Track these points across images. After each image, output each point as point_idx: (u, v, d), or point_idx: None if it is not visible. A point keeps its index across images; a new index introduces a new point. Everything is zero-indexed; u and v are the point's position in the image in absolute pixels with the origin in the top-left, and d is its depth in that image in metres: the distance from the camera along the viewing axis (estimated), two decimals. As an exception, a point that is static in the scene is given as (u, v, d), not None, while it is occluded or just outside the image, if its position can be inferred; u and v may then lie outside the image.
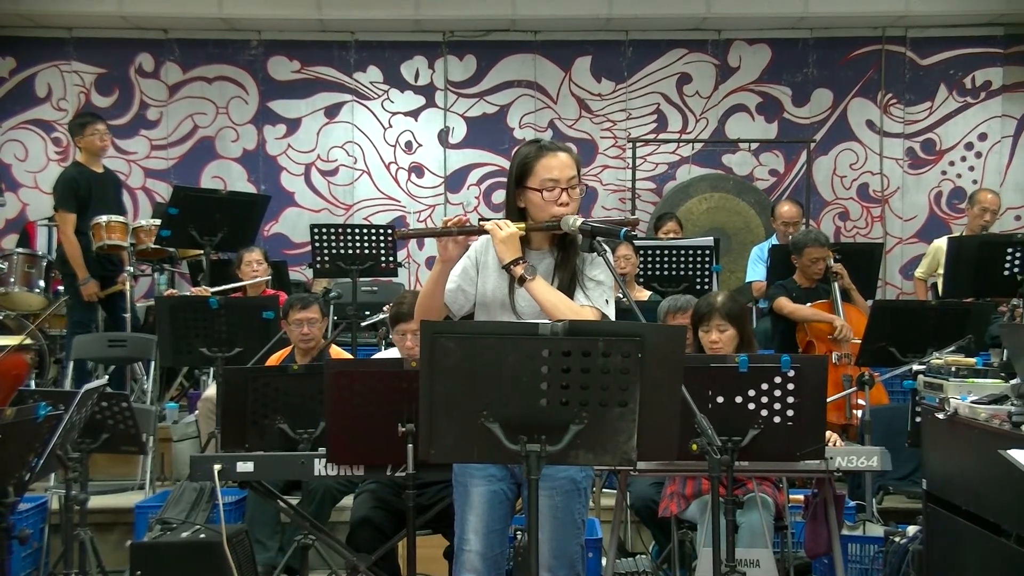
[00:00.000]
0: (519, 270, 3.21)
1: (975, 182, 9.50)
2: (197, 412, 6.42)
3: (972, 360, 4.21)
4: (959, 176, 9.69)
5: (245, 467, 3.91)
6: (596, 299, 3.29)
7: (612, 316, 3.35)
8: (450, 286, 3.37)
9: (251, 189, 9.38)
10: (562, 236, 3.32)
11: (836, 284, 6.50)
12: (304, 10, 9.23)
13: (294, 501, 4.65)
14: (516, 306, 3.28)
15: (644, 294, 6.63)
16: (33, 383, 6.48)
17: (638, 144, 9.43)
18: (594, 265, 3.32)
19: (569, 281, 3.29)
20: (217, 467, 3.86)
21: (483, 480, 3.26)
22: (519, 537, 4.39)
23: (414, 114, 9.73)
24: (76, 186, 7.15)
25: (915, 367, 4.64)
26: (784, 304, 6.54)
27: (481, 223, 3.31)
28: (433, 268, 3.37)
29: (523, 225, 3.29)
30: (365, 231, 7.03)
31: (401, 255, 9.08)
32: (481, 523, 3.25)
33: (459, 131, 9.73)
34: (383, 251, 6.93)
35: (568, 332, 2.61)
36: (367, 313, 7.05)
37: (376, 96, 9.70)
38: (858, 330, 6.03)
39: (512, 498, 3.33)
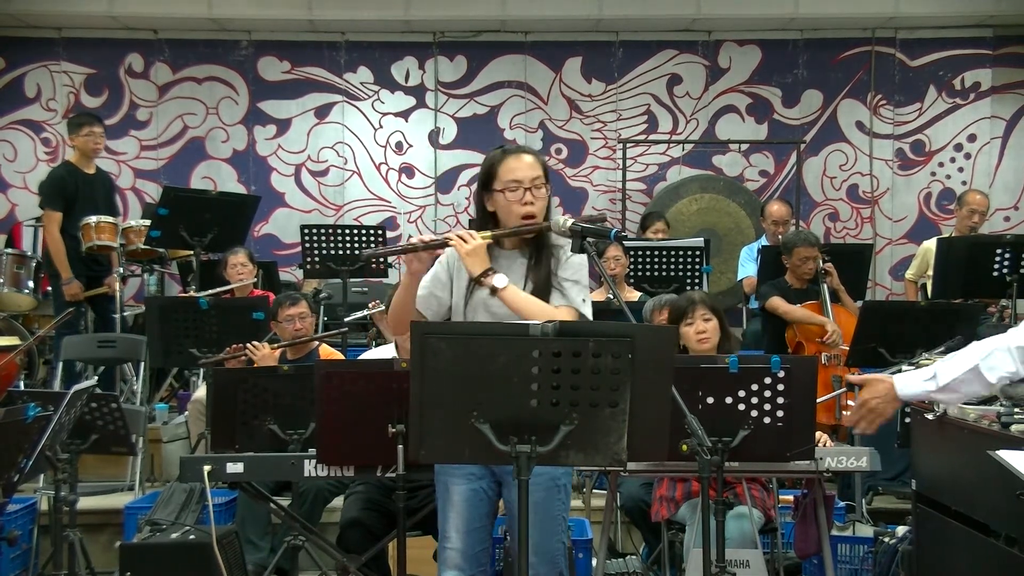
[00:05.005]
0: (489, 281, 3.22)
1: (964, 183, 9.51)
2: (187, 413, 6.40)
3: (961, 361, 4.20)
4: (948, 177, 9.70)
5: (235, 468, 3.92)
6: (573, 298, 3.30)
7: (589, 315, 3.35)
8: (422, 292, 3.38)
9: (241, 190, 9.35)
10: (535, 237, 3.32)
11: (824, 285, 6.51)
12: (294, 10, 9.20)
13: (284, 502, 4.65)
14: (490, 306, 3.27)
15: (634, 295, 6.62)
16: (22, 384, 6.46)
17: (628, 145, 9.43)
18: (567, 266, 3.32)
19: (544, 282, 3.29)
20: (207, 468, 3.87)
21: (463, 479, 3.28)
22: (508, 540, 4.39)
23: (404, 115, 9.72)
24: (63, 185, 7.12)
25: (904, 368, 4.64)
26: (778, 304, 6.50)
27: (445, 236, 3.31)
28: (401, 280, 3.42)
29: (488, 233, 3.29)
30: (355, 232, 7.05)
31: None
32: (462, 521, 3.27)
33: (449, 132, 9.72)
34: (373, 252, 6.91)
35: (559, 333, 2.61)
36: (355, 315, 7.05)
37: (366, 97, 9.69)
38: (847, 331, 6.04)
39: (493, 496, 3.34)
